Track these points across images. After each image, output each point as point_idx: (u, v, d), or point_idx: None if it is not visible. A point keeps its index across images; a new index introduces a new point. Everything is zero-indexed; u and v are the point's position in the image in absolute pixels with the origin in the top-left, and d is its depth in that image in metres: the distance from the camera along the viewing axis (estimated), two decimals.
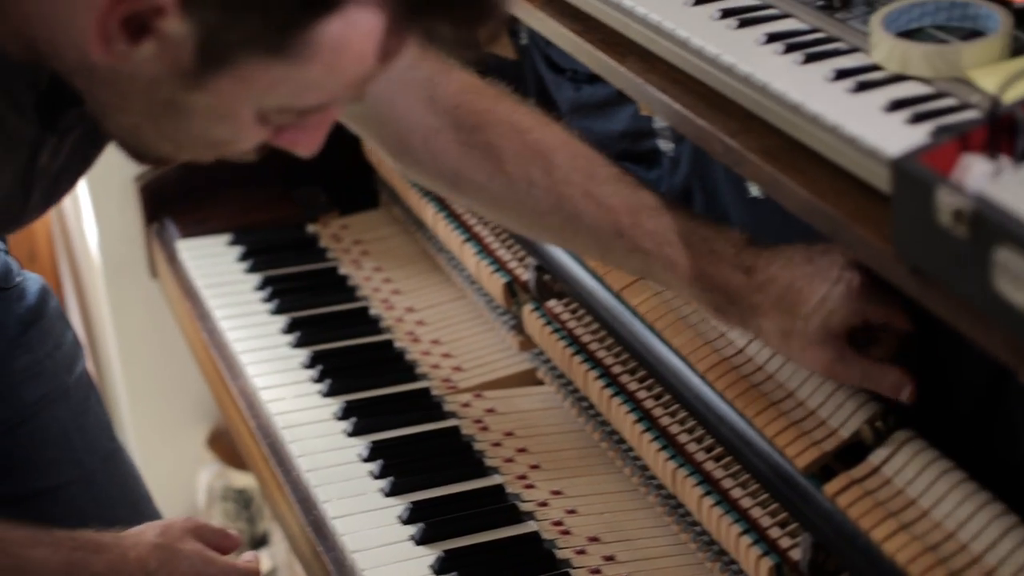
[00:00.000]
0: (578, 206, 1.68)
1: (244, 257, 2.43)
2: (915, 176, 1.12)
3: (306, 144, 1.38)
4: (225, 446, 2.81)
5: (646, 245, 1.64)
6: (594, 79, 2.00)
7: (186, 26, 1.22)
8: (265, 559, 2.68)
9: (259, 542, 2.82)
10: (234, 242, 2.48)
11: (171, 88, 1.28)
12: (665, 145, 1.88)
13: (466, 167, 1.74)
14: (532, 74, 2.17)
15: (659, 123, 1.87)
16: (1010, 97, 1.17)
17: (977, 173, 1.09)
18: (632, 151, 1.96)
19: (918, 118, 1.30)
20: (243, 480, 2.79)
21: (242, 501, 2.80)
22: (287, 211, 2.56)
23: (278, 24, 1.23)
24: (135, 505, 2.05)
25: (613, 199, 1.67)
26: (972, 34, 1.42)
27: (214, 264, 2.41)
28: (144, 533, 1.69)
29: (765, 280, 1.56)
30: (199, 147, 1.39)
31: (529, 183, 1.70)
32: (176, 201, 2.59)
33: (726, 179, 1.75)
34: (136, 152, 1.41)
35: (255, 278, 2.37)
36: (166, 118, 1.33)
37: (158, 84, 1.28)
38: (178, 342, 2.51)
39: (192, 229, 2.53)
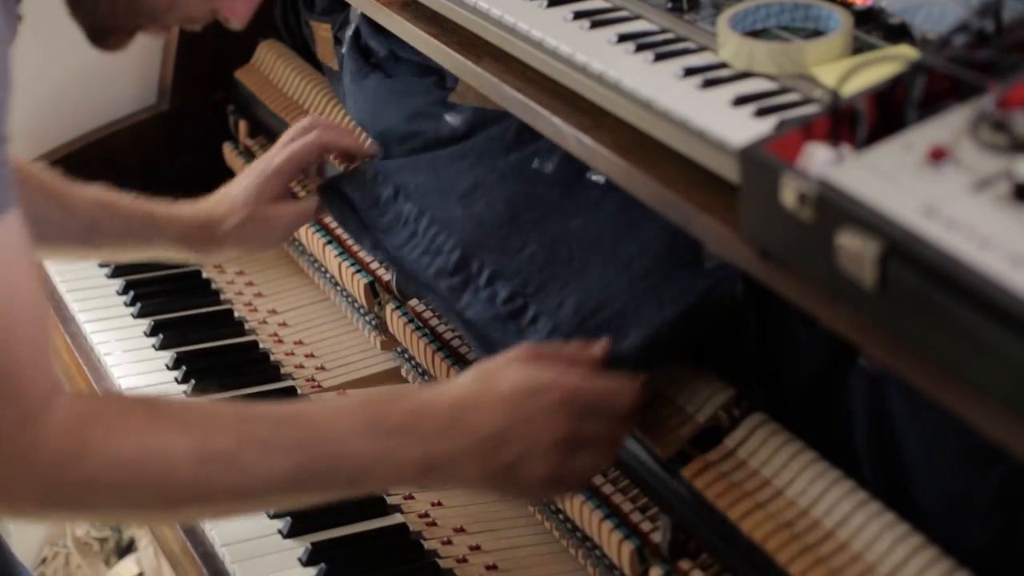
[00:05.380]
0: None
1: (104, 262, 2.43)
2: (762, 163, 1.16)
3: (240, 15, 1.67)
4: None
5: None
6: None
7: None
8: (132, 565, 2.68)
9: (125, 550, 2.81)
10: None
11: None
12: None
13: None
14: None
15: None
16: (849, 90, 1.22)
17: (820, 160, 1.14)
18: None
19: (763, 112, 1.35)
20: None
21: None
22: None
23: None
24: None
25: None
26: (814, 34, 1.48)
27: (75, 270, 2.40)
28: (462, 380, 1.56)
29: None
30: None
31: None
32: None
33: None
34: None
35: (117, 283, 2.37)
36: None
37: None
38: None
39: None
